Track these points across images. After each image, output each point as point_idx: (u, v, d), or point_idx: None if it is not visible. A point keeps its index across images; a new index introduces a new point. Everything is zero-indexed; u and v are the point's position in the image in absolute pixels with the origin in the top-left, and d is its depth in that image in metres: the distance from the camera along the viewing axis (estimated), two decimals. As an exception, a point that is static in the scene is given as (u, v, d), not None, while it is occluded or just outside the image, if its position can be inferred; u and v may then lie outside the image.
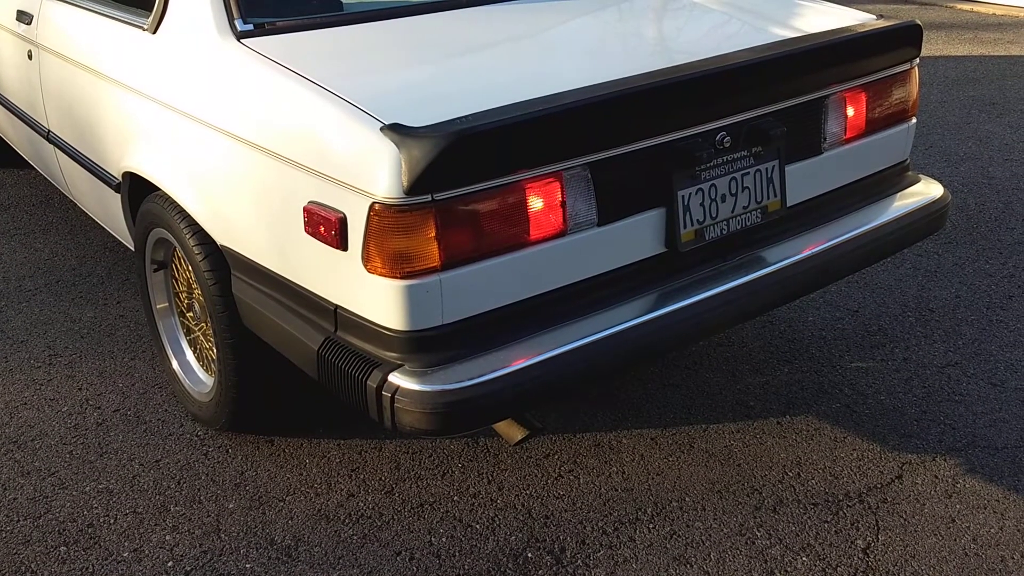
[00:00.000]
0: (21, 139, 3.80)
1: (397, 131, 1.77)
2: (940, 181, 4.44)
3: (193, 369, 2.79)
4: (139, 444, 2.72)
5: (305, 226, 1.95)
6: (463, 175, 1.80)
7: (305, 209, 1.94)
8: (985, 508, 2.42)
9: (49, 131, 3.30)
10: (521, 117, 1.84)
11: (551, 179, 1.93)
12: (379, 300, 1.84)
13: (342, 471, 2.58)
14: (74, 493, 2.53)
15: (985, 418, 2.78)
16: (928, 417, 2.79)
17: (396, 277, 1.80)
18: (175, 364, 2.82)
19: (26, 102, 3.49)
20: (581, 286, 2.04)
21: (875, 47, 2.38)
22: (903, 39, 2.44)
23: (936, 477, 2.54)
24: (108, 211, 3.04)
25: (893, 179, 2.62)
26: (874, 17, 2.60)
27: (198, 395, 2.72)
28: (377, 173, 1.77)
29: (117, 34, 2.68)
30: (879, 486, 2.51)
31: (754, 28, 2.50)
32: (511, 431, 2.05)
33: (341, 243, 1.87)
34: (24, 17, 3.34)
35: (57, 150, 3.27)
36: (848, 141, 2.44)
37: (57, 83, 3.09)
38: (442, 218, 1.79)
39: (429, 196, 1.77)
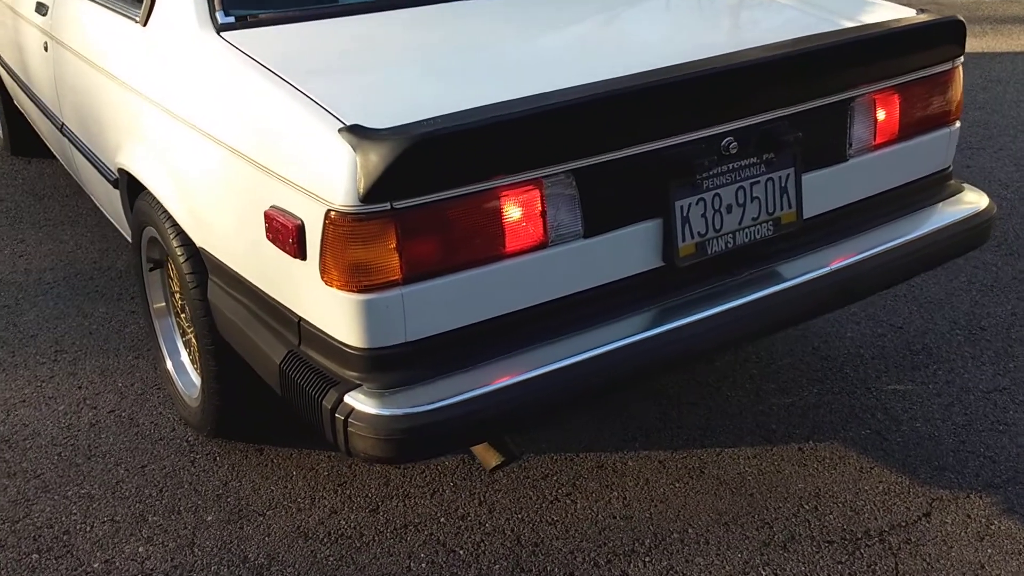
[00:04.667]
0: (45, 131, 3.78)
1: (355, 133, 1.63)
2: (1008, 185, 4.15)
3: (187, 371, 2.70)
4: (128, 448, 2.64)
5: (266, 232, 1.83)
6: (428, 181, 1.66)
7: (265, 214, 1.82)
8: (1020, 554, 2.20)
9: (63, 124, 3.25)
10: (495, 119, 1.69)
11: (529, 187, 1.77)
12: (337, 314, 1.71)
13: (328, 485, 2.46)
14: (55, 497, 2.46)
15: (1030, 451, 2.54)
16: (966, 448, 2.57)
17: (353, 291, 1.67)
18: (169, 365, 2.74)
19: (45, 94, 3.46)
20: (565, 303, 1.88)
21: (909, 45, 2.17)
22: (942, 36, 2.22)
23: (968, 516, 2.32)
24: (113, 207, 2.97)
25: (932, 189, 2.40)
26: (914, 12, 2.38)
27: (189, 399, 2.63)
28: (333, 178, 1.64)
29: (115, 26, 2.60)
30: (903, 524, 2.30)
31: (772, 22, 2.29)
32: (487, 456, 1.90)
33: (299, 252, 1.74)
34: (41, 9, 3.29)
35: (70, 144, 3.22)
36: (878, 147, 2.23)
37: (67, 76, 3.03)
38: (404, 228, 1.65)
39: (388, 204, 1.63)
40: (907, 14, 2.33)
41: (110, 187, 2.84)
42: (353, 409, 1.66)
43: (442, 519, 2.34)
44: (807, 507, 2.37)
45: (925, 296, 3.38)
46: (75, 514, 2.40)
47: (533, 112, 1.72)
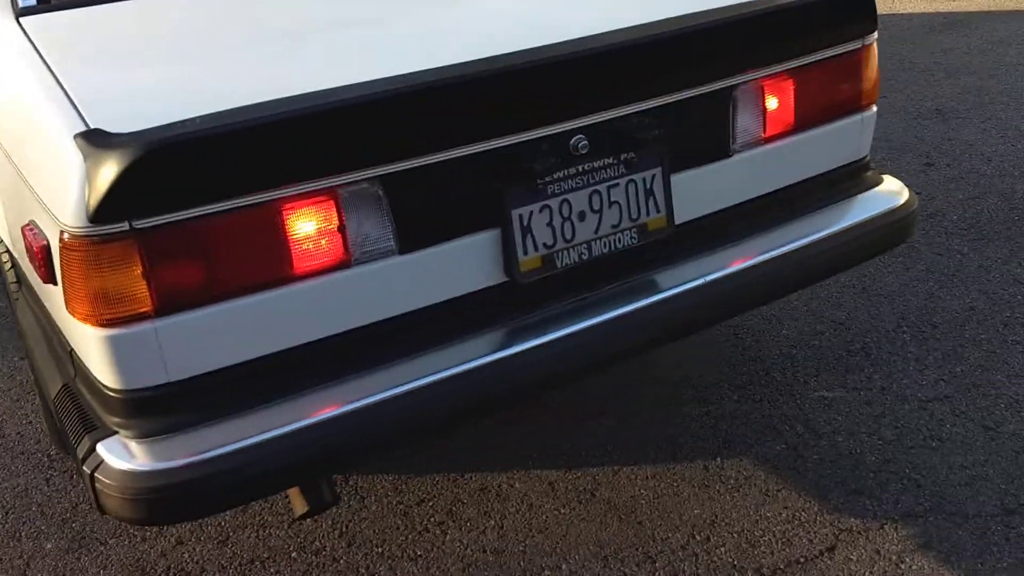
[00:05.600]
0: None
1: (89, 139, 1.39)
2: (990, 160, 3.82)
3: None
4: (-17, 464, 2.46)
5: (26, 251, 1.60)
6: (179, 195, 1.41)
7: (22, 230, 1.59)
8: (927, 601, 1.95)
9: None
10: (266, 119, 1.44)
11: (321, 198, 1.53)
12: (87, 350, 1.48)
13: (178, 511, 2.25)
14: None
15: (963, 473, 2.28)
16: (890, 468, 2.31)
17: (97, 324, 1.44)
18: (33, 373, 2.53)
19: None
20: (380, 329, 1.64)
21: (803, 24, 1.88)
22: (845, 12, 1.93)
23: (877, 552, 2.07)
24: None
25: (843, 183, 2.12)
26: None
27: (46, 412, 2.43)
28: (65, 193, 1.40)
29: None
30: (801, 560, 2.06)
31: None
32: (296, 502, 1.68)
33: (50, 276, 1.51)
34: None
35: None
36: (769, 140, 1.96)
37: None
38: (151, 251, 1.42)
39: (126, 224, 1.39)
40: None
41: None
42: (102, 462, 1.44)
43: (294, 554, 2.13)
44: (699, 537, 2.13)
45: (876, 287, 3.11)
46: (-93, 541, 2.22)
47: (318, 110, 1.47)
